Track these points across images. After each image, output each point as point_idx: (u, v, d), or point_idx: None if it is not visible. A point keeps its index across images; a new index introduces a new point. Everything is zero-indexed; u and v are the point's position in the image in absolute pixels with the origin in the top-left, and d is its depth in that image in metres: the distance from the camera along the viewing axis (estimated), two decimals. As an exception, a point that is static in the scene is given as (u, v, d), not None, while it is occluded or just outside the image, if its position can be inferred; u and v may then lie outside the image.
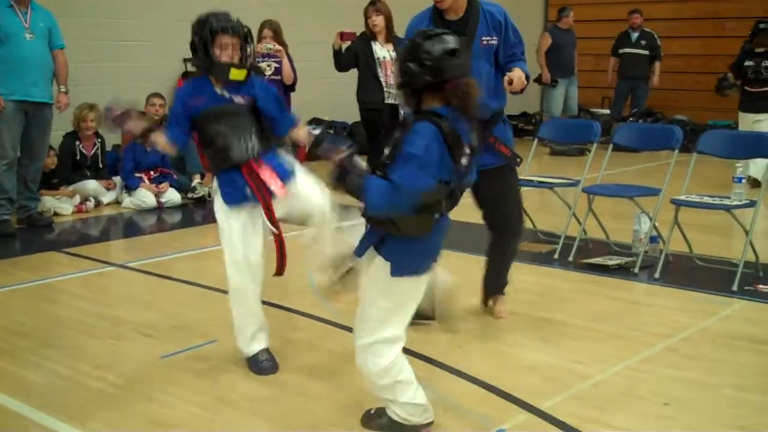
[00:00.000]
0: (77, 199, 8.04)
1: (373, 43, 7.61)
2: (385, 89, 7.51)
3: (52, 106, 7.25)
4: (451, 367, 4.13)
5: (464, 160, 3.04)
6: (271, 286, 5.58)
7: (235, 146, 3.99)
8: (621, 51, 13.07)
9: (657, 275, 5.70)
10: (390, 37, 7.44)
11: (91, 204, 8.06)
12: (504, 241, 4.87)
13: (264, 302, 5.14)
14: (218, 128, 4.00)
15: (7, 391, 3.90)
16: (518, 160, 4.71)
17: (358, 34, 7.75)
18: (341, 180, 3.05)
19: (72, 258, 6.40)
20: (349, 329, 4.65)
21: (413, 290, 3.23)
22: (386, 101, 7.46)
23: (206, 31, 3.94)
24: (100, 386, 3.98)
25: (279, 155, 4.17)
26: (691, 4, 13.98)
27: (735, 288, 5.39)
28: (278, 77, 7.81)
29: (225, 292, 5.33)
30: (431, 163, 2.95)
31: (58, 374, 4.10)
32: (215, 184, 4.14)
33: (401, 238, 3.09)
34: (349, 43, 7.78)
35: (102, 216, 7.98)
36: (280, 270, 4.20)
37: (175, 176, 8.57)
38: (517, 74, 4.40)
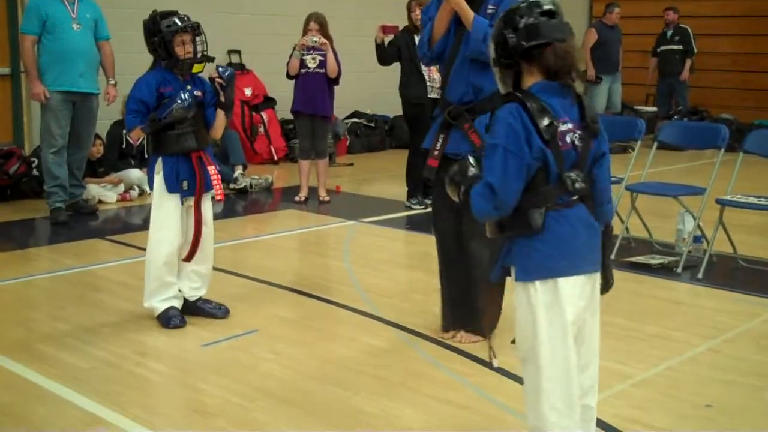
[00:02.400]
0: (121, 187, 8.12)
1: (416, 36, 7.61)
2: (428, 83, 7.51)
3: (98, 96, 7.32)
4: (487, 362, 4.10)
5: (568, 138, 2.66)
6: (311, 277, 5.62)
7: (191, 135, 4.53)
8: (659, 49, 12.95)
9: (700, 275, 5.63)
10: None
11: (135, 193, 8.14)
12: (475, 248, 4.26)
13: (300, 292, 5.19)
14: (186, 116, 4.48)
15: (49, 374, 3.95)
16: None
17: (400, 27, 7.75)
18: (455, 186, 2.84)
19: (115, 245, 6.47)
20: (389, 323, 4.68)
21: (553, 298, 2.66)
22: (429, 95, 7.45)
23: (166, 32, 4.43)
24: (141, 372, 4.02)
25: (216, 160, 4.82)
26: (739, 2, 13.76)
27: (780, 290, 5.32)
28: (323, 70, 7.81)
29: (265, 282, 5.41)
30: (519, 145, 2.60)
31: (99, 359, 4.15)
32: (159, 164, 4.55)
33: (525, 240, 2.69)
34: (391, 36, 7.78)
35: (146, 205, 8.02)
36: (189, 257, 4.63)
37: (217, 167, 8.60)
38: None
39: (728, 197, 5.83)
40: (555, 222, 2.66)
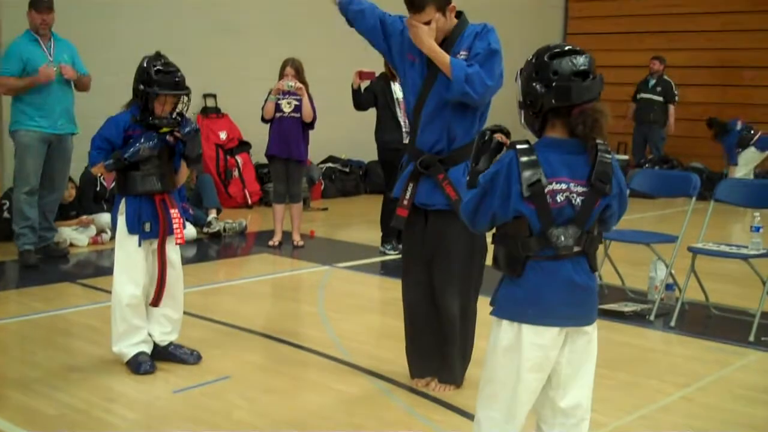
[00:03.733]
0: (93, 230, 8.06)
1: (392, 83, 7.68)
2: (404, 129, 7.55)
3: (73, 136, 7.28)
4: (462, 410, 4.09)
5: (560, 197, 2.69)
6: (284, 323, 5.58)
7: (157, 177, 4.50)
8: (638, 96, 13.16)
9: (672, 323, 5.66)
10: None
11: (106, 236, 8.07)
12: (448, 304, 4.24)
13: (273, 338, 5.15)
14: (152, 155, 4.46)
15: (17, 421, 3.88)
16: None
17: (377, 74, 7.81)
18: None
19: (86, 289, 6.40)
20: (363, 369, 4.65)
21: (514, 343, 2.75)
22: (405, 141, 7.49)
23: (153, 89, 4.38)
24: (111, 420, 3.96)
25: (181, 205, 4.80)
26: (709, 52, 14.03)
27: (752, 338, 5.34)
28: (298, 115, 7.85)
29: (237, 327, 5.37)
30: (494, 192, 2.72)
31: (69, 406, 4.08)
32: (122, 205, 4.53)
33: (508, 280, 2.81)
34: (368, 82, 7.84)
35: (117, 248, 7.98)
36: (155, 301, 4.58)
37: (190, 211, 8.60)
38: (425, 33, 4.02)
39: (700, 245, 5.88)
40: (532, 272, 2.75)
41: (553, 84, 2.69)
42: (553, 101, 2.70)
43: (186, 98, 4.51)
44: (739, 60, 13.80)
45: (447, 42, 4.14)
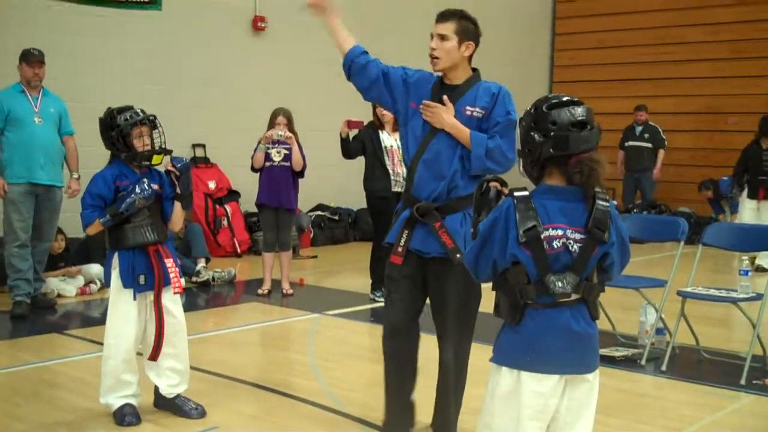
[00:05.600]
0: (81, 281, 8.02)
1: (380, 131, 7.72)
2: (392, 177, 7.58)
3: (61, 188, 7.30)
4: (455, 459, 4.05)
5: (557, 243, 2.74)
6: (274, 372, 5.54)
7: (148, 228, 4.48)
8: (626, 144, 13.27)
9: (664, 368, 5.64)
10: (397, 127, 7.52)
11: (95, 286, 8.04)
12: (443, 353, 4.13)
13: (262, 387, 5.11)
14: (146, 206, 4.45)
15: (3, 475, 3.83)
16: (458, 255, 3.88)
17: (365, 123, 7.85)
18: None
19: (74, 340, 6.35)
20: (353, 418, 4.61)
21: (514, 390, 2.78)
22: (393, 189, 7.52)
23: (124, 125, 4.41)
24: (97, 472, 3.91)
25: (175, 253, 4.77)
26: (694, 99, 14.19)
27: (743, 382, 5.32)
28: (288, 163, 7.88)
29: (226, 377, 5.32)
30: (493, 239, 2.78)
31: (55, 459, 4.03)
32: (115, 259, 4.48)
33: (507, 327, 2.85)
34: (356, 131, 7.88)
35: (105, 298, 7.86)
36: (154, 355, 4.51)
37: (179, 260, 8.54)
38: (444, 111, 4.01)
39: (689, 289, 5.88)
40: (530, 319, 2.79)
41: (552, 134, 2.76)
42: (551, 150, 2.77)
43: (157, 129, 4.49)
44: (723, 106, 13.97)
45: (456, 91, 4.08)
